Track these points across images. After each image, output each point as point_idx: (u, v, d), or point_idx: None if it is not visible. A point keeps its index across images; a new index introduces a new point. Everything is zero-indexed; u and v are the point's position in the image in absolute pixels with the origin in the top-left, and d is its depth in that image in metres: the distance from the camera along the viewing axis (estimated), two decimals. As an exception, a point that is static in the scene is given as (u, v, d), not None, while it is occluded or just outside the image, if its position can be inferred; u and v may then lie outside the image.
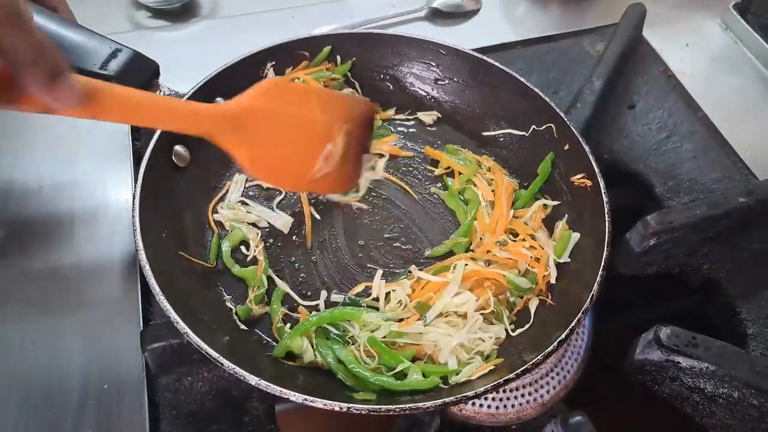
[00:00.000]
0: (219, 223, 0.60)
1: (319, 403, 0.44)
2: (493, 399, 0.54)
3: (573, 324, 0.48)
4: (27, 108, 0.38)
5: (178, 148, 0.58)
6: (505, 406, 0.54)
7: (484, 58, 0.65)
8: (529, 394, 0.55)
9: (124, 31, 0.79)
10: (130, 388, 0.52)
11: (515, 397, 0.55)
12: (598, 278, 0.50)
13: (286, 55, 0.66)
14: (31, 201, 0.63)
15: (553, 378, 0.55)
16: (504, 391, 0.54)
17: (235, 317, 0.54)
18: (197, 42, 0.80)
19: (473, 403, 0.54)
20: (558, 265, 0.56)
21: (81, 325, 0.55)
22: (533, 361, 0.46)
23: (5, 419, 0.50)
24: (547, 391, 0.55)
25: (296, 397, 0.44)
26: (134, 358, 0.53)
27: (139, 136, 0.68)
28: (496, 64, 0.65)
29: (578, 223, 0.58)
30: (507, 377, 0.46)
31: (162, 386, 0.52)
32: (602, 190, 0.55)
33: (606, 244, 0.52)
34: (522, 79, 0.63)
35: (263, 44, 0.66)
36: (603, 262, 0.51)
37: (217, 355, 0.45)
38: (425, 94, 0.70)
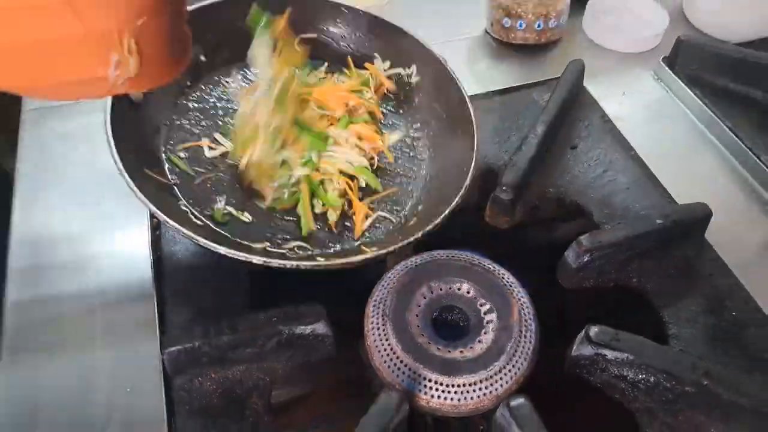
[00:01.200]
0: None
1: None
2: (455, 392, 0.64)
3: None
4: None
5: None
6: (465, 398, 0.64)
7: (377, 16, 0.83)
8: (486, 388, 0.65)
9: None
10: (150, 390, 0.62)
11: (473, 391, 0.64)
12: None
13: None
14: (61, 242, 0.74)
15: (505, 374, 0.65)
16: (464, 386, 0.64)
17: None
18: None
19: (438, 397, 0.64)
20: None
21: (106, 340, 0.66)
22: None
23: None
24: (501, 386, 0.65)
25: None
26: (153, 365, 0.63)
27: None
28: (388, 20, 0.82)
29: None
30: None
31: (177, 386, 0.62)
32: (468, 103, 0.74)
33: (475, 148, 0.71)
34: (409, 31, 0.82)
35: None
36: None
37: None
38: (335, 45, 0.86)
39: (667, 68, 0.96)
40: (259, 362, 0.63)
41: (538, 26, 0.99)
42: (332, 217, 0.70)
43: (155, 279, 0.70)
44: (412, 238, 0.64)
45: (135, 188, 0.59)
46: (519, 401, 0.59)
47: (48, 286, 0.69)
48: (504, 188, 0.74)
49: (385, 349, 0.66)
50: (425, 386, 0.64)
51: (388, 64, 0.83)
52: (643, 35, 1.02)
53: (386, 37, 0.82)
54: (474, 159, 0.70)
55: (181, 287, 0.70)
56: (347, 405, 0.57)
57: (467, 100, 0.76)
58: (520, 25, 0.99)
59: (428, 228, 0.66)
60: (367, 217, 0.73)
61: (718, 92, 0.92)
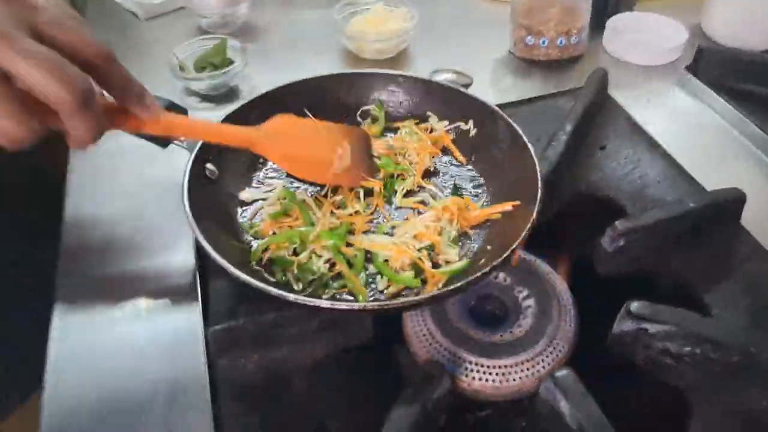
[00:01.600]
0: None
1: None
2: (497, 374, 0.64)
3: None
4: (127, 128, 0.56)
5: (208, 165, 0.75)
6: (506, 380, 0.63)
7: (431, 80, 0.86)
8: (527, 369, 0.64)
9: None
10: (194, 371, 0.63)
11: (515, 372, 0.64)
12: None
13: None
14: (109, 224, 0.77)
15: (546, 356, 0.65)
16: (504, 367, 0.64)
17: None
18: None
19: (480, 379, 0.64)
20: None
21: (153, 323, 0.67)
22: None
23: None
24: (543, 368, 0.64)
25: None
26: (197, 346, 0.64)
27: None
28: (442, 82, 0.85)
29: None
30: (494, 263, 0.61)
31: (220, 367, 0.63)
32: (536, 163, 0.71)
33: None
34: (462, 89, 0.84)
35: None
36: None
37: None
38: (396, 113, 0.88)
39: (691, 75, 0.98)
40: (301, 344, 0.64)
41: (560, 42, 1.03)
42: (391, 289, 0.67)
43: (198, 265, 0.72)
44: (480, 273, 0.61)
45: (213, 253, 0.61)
46: (563, 372, 0.58)
47: (97, 264, 0.73)
48: (536, 180, 0.76)
49: (424, 334, 0.67)
50: (466, 368, 0.64)
51: (446, 122, 0.84)
52: (663, 49, 1.05)
53: (441, 98, 0.85)
54: (539, 195, 0.68)
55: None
56: (386, 391, 0.57)
57: (525, 139, 0.74)
58: (543, 43, 1.03)
59: (497, 261, 0.62)
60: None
61: (743, 95, 0.94)
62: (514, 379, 0.64)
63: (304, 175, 0.74)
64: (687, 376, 0.61)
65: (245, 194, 0.76)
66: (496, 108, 0.79)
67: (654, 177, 0.83)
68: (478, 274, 0.60)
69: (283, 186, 0.76)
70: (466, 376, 0.64)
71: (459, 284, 0.60)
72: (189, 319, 0.67)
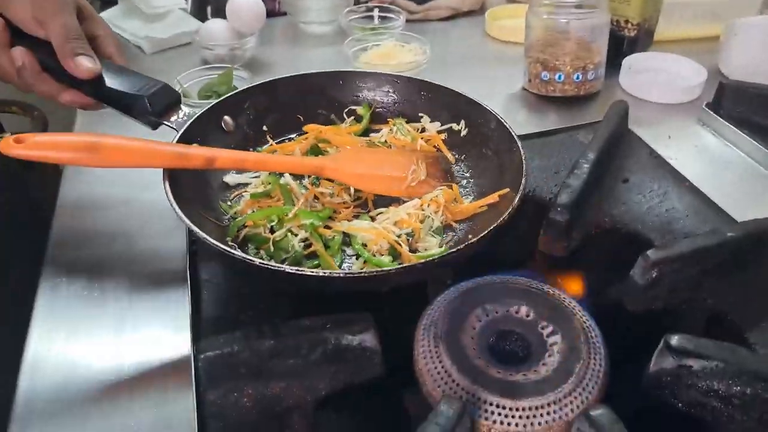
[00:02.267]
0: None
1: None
2: (521, 417, 0.57)
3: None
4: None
5: (226, 117, 0.79)
6: (532, 424, 0.56)
7: (427, 80, 0.87)
8: (554, 412, 0.57)
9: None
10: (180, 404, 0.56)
11: (540, 416, 0.57)
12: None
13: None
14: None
15: (575, 398, 0.58)
16: (529, 409, 0.57)
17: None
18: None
19: (501, 422, 0.56)
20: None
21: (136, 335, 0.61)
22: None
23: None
24: (571, 410, 0.57)
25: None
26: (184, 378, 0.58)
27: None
28: (437, 83, 0.86)
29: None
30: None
31: (209, 401, 0.56)
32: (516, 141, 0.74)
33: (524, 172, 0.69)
34: (457, 90, 0.85)
35: None
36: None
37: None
38: (389, 113, 0.90)
39: (711, 113, 0.95)
40: (301, 378, 0.57)
41: (577, 78, 1.00)
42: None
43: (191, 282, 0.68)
44: (463, 246, 0.63)
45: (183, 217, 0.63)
46: (599, 411, 0.51)
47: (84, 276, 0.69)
48: (559, 209, 0.70)
49: (438, 372, 0.60)
50: (486, 410, 0.57)
51: (438, 123, 0.87)
52: (681, 87, 1.02)
53: (435, 98, 0.87)
54: (524, 178, 0.70)
55: (219, 295, 0.68)
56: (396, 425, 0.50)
57: (514, 135, 0.77)
58: (559, 78, 1.00)
59: (482, 235, 0.64)
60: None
61: (766, 131, 0.90)
62: (539, 423, 0.57)
63: (378, 189, 0.75)
64: (737, 421, 0.54)
65: (229, 178, 0.79)
66: (489, 107, 0.81)
67: (682, 210, 0.78)
68: (454, 250, 0.62)
69: (269, 173, 0.77)
70: (486, 419, 0.56)
71: (433, 258, 0.61)
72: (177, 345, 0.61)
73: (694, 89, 1.02)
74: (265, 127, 0.85)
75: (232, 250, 0.61)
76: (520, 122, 0.99)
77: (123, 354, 0.61)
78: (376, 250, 0.69)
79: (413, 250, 0.70)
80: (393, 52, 1.07)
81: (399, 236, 0.70)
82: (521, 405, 0.57)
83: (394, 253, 0.69)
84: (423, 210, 0.73)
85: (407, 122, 0.87)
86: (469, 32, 1.29)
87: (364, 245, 0.70)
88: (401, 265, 0.63)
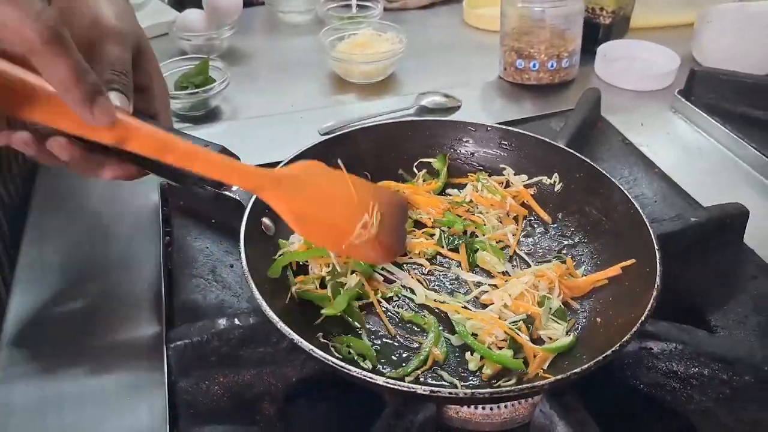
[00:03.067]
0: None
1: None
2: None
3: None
4: (66, 127, 0.45)
5: (264, 219, 0.66)
6: (498, 406, 0.58)
7: (509, 128, 0.77)
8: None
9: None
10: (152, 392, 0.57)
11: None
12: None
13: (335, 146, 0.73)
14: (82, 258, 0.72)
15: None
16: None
17: None
18: (221, 139, 0.93)
19: (469, 405, 0.58)
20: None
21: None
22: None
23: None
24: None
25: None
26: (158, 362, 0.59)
27: (168, 204, 0.79)
28: (520, 130, 0.77)
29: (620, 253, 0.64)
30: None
31: (181, 389, 0.57)
32: (643, 217, 0.62)
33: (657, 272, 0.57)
34: (545, 138, 0.75)
35: (279, 139, 0.80)
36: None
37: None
38: (465, 166, 0.79)
39: (683, 100, 0.96)
40: (271, 366, 0.58)
41: (551, 66, 1.01)
42: (488, 370, 0.57)
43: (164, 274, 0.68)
44: (618, 346, 0.51)
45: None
46: (561, 395, 0.52)
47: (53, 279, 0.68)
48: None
49: (408, 357, 0.61)
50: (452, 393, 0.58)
51: (525, 177, 0.76)
52: (655, 74, 1.03)
53: (518, 149, 0.77)
54: (657, 277, 0.56)
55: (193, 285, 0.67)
56: (366, 419, 0.51)
57: (629, 197, 0.65)
58: (534, 66, 1.01)
59: (624, 340, 0.51)
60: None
61: (737, 118, 0.91)
62: (506, 406, 0.58)
63: (314, 239, 0.61)
64: (695, 401, 0.55)
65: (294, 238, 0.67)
66: (587, 159, 0.71)
67: (651, 196, 0.79)
68: (602, 356, 0.49)
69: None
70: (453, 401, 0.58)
71: (581, 369, 0.49)
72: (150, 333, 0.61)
73: (667, 76, 1.03)
74: None
75: (341, 363, 0.50)
76: (495, 111, 1.00)
77: (95, 340, 0.62)
78: (491, 342, 0.58)
79: (534, 341, 0.59)
80: (369, 42, 1.07)
81: (516, 323, 0.59)
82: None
83: (514, 346, 0.57)
84: (537, 288, 0.62)
85: (489, 176, 0.77)
86: (447, 21, 1.29)
87: (474, 334, 0.59)
88: (556, 378, 0.49)
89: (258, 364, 0.58)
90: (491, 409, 0.57)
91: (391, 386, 0.47)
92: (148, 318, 0.64)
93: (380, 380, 0.48)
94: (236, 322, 0.56)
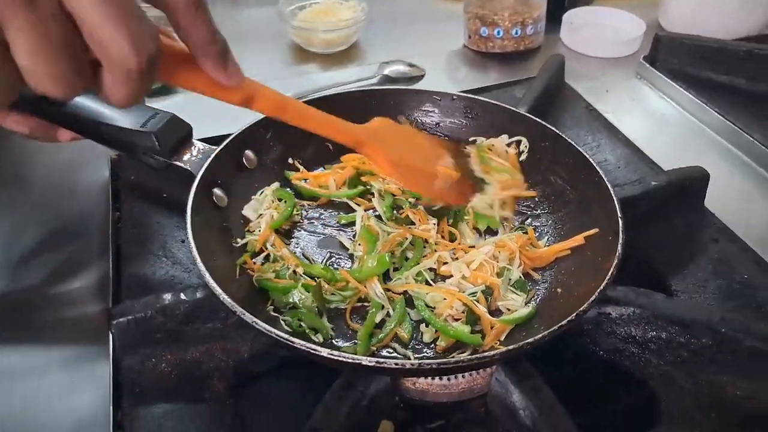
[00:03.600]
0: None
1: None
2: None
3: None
4: (199, 88, 0.43)
5: (248, 152, 0.66)
6: (456, 377, 0.56)
7: (475, 96, 0.75)
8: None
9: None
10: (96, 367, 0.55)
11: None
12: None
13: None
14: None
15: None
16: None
17: None
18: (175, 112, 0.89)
19: (419, 377, 0.56)
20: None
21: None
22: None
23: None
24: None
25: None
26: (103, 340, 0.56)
27: (118, 179, 0.76)
28: (486, 99, 0.75)
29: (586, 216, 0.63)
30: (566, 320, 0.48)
31: (126, 367, 0.54)
32: (608, 187, 0.61)
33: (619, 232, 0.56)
34: (511, 107, 0.73)
35: (236, 111, 0.74)
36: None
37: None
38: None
39: (648, 66, 0.95)
40: (221, 342, 0.56)
41: (516, 33, 0.99)
42: (442, 343, 0.56)
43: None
44: (574, 316, 0.49)
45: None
46: (516, 363, 0.51)
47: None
48: (488, 163, 0.70)
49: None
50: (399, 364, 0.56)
51: (505, 137, 0.74)
52: (621, 41, 1.01)
53: (483, 118, 0.75)
54: (619, 246, 0.55)
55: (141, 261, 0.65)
56: (322, 394, 0.50)
57: (595, 166, 0.63)
58: (498, 33, 0.99)
59: (582, 308, 0.50)
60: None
61: (701, 83, 0.90)
62: (463, 376, 0.57)
63: (411, 185, 0.63)
64: (653, 365, 0.55)
65: (247, 210, 0.66)
66: (552, 128, 0.69)
67: (614, 162, 0.78)
68: (557, 326, 0.47)
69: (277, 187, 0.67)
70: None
71: (534, 339, 0.47)
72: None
73: (632, 43, 1.02)
74: (291, 160, 0.72)
75: (292, 338, 0.47)
76: (459, 79, 0.97)
77: (40, 317, 0.59)
78: (448, 315, 0.56)
79: (493, 312, 0.57)
80: (331, 10, 1.04)
81: (474, 295, 0.57)
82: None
83: (471, 318, 0.56)
84: (497, 259, 0.60)
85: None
86: (413, -12, 1.26)
87: (431, 308, 0.57)
88: (507, 348, 0.48)
89: (207, 339, 0.56)
90: (448, 379, 0.56)
91: (335, 358, 0.46)
92: (95, 295, 0.62)
93: (324, 352, 0.46)
94: (182, 296, 0.54)
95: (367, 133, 0.57)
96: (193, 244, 0.53)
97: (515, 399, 0.50)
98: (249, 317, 0.48)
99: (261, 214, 0.65)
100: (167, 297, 0.54)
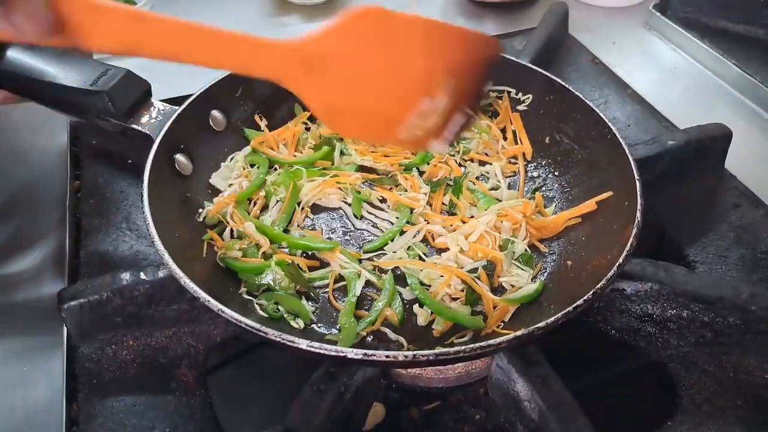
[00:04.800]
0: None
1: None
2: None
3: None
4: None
5: (214, 112, 0.59)
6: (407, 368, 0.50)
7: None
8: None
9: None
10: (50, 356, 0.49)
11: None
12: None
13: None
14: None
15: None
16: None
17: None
18: (142, 67, 0.81)
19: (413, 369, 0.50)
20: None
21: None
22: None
23: None
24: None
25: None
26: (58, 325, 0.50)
27: (78, 144, 0.68)
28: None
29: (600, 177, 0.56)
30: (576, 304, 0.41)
31: (82, 356, 0.48)
32: (621, 143, 0.54)
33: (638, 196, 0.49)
34: (513, 57, 0.65)
35: None
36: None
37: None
38: None
39: (659, 15, 0.87)
40: (189, 325, 0.50)
41: (515, -21, 0.91)
42: (439, 326, 0.49)
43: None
44: (582, 301, 0.42)
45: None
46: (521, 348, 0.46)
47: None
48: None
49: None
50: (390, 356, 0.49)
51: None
52: (628, -12, 0.94)
53: None
54: (638, 212, 0.48)
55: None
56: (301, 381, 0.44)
57: (605, 119, 0.57)
58: (495, -20, 0.91)
59: (597, 287, 0.43)
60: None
61: (717, 33, 0.83)
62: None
63: (349, 133, 0.49)
64: (672, 346, 0.49)
65: (216, 179, 0.58)
66: (557, 79, 0.61)
67: (624, 120, 0.72)
68: (571, 307, 0.41)
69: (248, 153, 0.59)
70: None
71: (546, 323, 0.41)
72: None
73: (640, -10, 0.94)
74: (260, 118, 0.64)
75: (263, 327, 0.41)
76: (454, 31, 0.89)
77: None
78: (445, 294, 0.50)
79: (495, 290, 0.51)
80: (313, -44, 0.95)
81: (475, 271, 0.51)
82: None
83: (471, 297, 0.49)
84: (499, 230, 0.54)
85: None
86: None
87: (426, 285, 0.51)
88: (514, 335, 0.41)
89: (173, 323, 0.50)
90: (443, 365, 0.50)
91: (316, 351, 0.39)
92: (50, 273, 0.56)
93: (303, 344, 0.39)
94: (142, 276, 0.48)
95: (299, 63, 0.39)
96: (150, 219, 0.46)
97: (519, 389, 0.44)
98: (215, 304, 0.41)
99: (231, 184, 0.58)
100: (125, 276, 0.48)
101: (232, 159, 0.60)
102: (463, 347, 0.40)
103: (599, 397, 0.48)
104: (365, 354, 0.40)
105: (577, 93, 0.60)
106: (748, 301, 0.46)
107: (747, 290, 0.46)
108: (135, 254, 0.57)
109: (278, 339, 0.40)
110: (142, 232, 0.59)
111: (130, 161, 0.66)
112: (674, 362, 0.49)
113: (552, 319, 0.41)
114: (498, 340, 0.40)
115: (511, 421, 0.47)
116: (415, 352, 0.40)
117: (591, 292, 0.42)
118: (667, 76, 0.80)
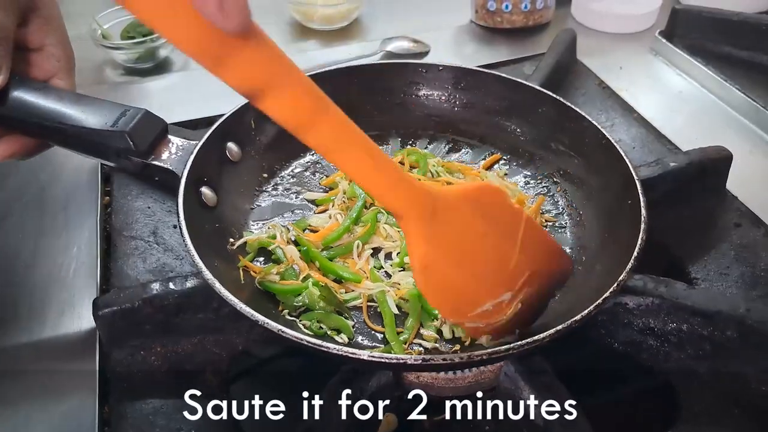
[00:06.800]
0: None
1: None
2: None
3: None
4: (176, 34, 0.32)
5: (230, 144, 0.62)
6: (463, 371, 0.53)
7: (464, 66, 0.72)
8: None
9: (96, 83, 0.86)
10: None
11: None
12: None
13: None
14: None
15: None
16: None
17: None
18: (172, 91, 0.85)
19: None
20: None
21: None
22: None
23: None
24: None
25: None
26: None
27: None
28: (477, 69, 0.72)
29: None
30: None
31: (113, 361, 0.52)
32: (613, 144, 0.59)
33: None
34: (504, 75, 0.70)
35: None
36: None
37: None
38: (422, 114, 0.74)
39: (665, 41, 0.90)
40: (214, 333, 0.53)
41: (525, 7, 0.94)
42: (446, 331, 0.53)
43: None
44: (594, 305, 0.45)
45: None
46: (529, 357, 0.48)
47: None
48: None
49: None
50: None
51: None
52: (635, 15, 0.97)
53: (476, 89, 0.72)
54: (641, 231, 0.51)
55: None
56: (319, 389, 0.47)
57: (600, 128, 0.62)
58: (506, 7, 0.94)
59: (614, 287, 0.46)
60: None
61: (721, 59, 0.86)
62: (470, 370, 0.53)
63: (429, 295, 0.45)
64: (674, 359, 0.51)
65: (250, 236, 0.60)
66: (572, 106, 0.65)
67: (629, 142, 0.74)
68: (578, 317, 0.44)
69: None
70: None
71: (563, 326, 0.43)
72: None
73: (648, 17, 0.97)
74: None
75: (305, 337, 0.44)
76: (466, 56, 0.93)
77: (24, 308, 0.56)
78: None
79: None
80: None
81: None
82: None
83: None
84: None
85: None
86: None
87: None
88: (519, 344, 0.43)
89: (199, 331, 0.53)
90: (454, 373, 0.53)
91: (377, 360, 0.43)
92: (83, 284, 0.59)
93: (364, 355, 0.43)
94: (171, 286, 0.51)
95: (425, 204, 0.39)
96: (196, 257, 0.48)
97: (525, 396, 0.46)
98: (274, 325, 0.44)
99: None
100: (155, 287, 0.51)
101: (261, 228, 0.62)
102: (508, 346, 0.43)
103: (602, 406, 0.50)
104: (423, 359, 0.43)
105: (584, 114, 0.64)
106: (745, 315, 0.48)
107: (744, 305, 0.49)
108: (162, 266, 0.61)
109: (343, 354, 0.43)
110: (168, 245, 0.63)
111: (156, 179, 0.70)
112: (675, 374, 0.51)
113: (553, 330, 0.43)
114: (504, 347, 0.43)
115: (519, 430, 0.49)
116: (469, 353, 0.43)
117: (593, 306, 0.44)
118: (673, 100, 0.83)
